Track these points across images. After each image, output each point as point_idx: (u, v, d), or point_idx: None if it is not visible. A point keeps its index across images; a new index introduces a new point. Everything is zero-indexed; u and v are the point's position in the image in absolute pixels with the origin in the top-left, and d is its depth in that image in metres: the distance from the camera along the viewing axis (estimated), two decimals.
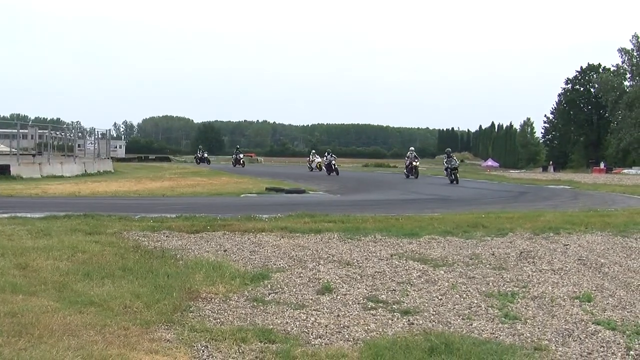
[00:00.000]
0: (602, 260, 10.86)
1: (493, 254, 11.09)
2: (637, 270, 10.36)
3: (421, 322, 7.15)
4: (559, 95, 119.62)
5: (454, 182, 37.60)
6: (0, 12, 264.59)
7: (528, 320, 7.31)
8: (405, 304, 7.86)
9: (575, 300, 8.26)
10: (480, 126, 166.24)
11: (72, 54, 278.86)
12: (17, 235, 11.69)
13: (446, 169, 40.02)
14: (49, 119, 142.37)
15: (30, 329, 6.09)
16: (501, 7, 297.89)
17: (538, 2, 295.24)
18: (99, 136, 59.74)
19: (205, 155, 75.34)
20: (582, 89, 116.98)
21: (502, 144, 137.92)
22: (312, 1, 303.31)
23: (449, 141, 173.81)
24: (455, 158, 41.15)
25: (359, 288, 8.58)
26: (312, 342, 6.35)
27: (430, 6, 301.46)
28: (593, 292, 8.74)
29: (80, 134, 58.83)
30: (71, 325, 6.30)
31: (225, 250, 10.88)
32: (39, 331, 6.04)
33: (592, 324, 7.22)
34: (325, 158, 50.08)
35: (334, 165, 48.64)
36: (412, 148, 46.43)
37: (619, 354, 6.24)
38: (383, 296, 8.21)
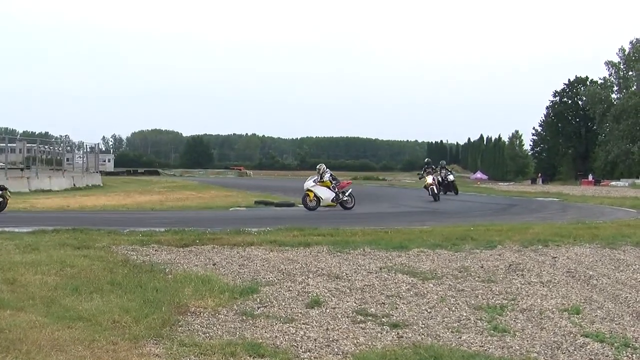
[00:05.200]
0: (591, 273, 10.89)
1: (482, 267, 11.11)
2: (625, 282, 10.40)
3: (410, 335, 7.16)
4: (547, 108, 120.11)
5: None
6: None
7: (517, 333, 7.33)
8: (395, 317, 7.86)
9: (564, 313, 8.28)
10: (469, 139, 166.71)
11: (60, 67, 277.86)
12: (5, 250, 11.63)
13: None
14: (37, 132, 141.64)
15: (18, 345, 6.06)
16: (490, 21, 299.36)
17: (526, 16, 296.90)
18: (88, 150, 59.65)
19: None
20: (570, 101, 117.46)
21: (491, 157, 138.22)
22: (300, 15, 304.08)
23: (438, 154, 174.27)
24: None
25: (348, 301, 8.58)
26: (301, 356, 6.35)
27: (419, 20, 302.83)
28: (581, 304, 8.77)
29: (68, 147, 58.96)
30: (59, 341, 6.27)
31: (214, 264, 10.85)
32: (27, 347, 6.01)
33: (581, 336, 7.25)
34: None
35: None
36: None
37: None
38: (372, 309, 8.21)
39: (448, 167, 39.49)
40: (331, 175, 25.34)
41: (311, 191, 24.78)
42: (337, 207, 25.50)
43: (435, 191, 32.56)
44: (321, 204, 24.67)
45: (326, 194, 24.80)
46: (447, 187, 37.17)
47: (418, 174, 36.70)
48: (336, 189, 25.05)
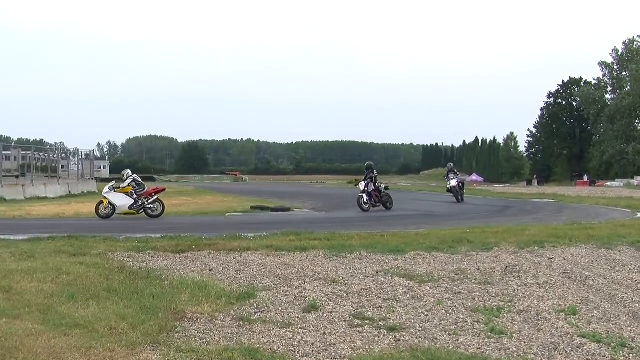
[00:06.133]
0: (587, 273, 10.91)
1: (478, 269, 11.11)
2: (622, 282, 10.42)
3: (407, 338, 7.16)
4: (542, 109, 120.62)
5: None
6: None
7: (514, 335, 7.34)
8: (392, 321, 7.86)
9: (561, 314, 8.29)
10: (464, 141, 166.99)
11: (55, 74, 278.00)
12: (0, 257, 11.59)
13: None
14: (32, 140, 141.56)
15: (15, 353, 6.05)
16: (484, 24, 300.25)
17: (520, 18, 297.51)
18: (83, 157, 59.58)
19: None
20: (564, 102, 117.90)
21: (486, 159, 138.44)
22: (295, 19, 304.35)
23: (433, 157, 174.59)
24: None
25: (345, 305, 8.57)
26: None
27: (414, 23, 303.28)
28: (578, 305, 8.79)
29: (63, 154, 58.58)
30: (56, 348, 6.26)
31: (210, 270, 10.83)
32: (23, 355, 6.00)
33: (578, 337, 7.25)
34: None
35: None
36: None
37: None
38: (369, 313, 8.21)
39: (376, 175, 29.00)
40: (135, 181, 23.80)
41: (106, 198, 23.27)
42: (333, 212, 25.37)
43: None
44: (116, 212, 23.05)
45: (122, 202, 23.18)
46: (379, 197, 28.29)
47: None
48: (134, 196, 23.33)
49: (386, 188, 29.14)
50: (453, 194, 34.82)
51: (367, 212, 26.55)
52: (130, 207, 23.14)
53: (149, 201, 23.44)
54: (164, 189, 26.13)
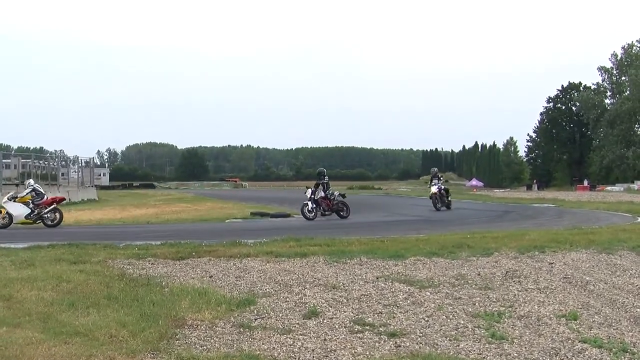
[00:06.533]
0: (588, 278, 10.89)
1: (479, 274, 11.10)
2: (622, 287, 10.41)
3: (408, 344, 7.15)
4: (541, 114, 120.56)
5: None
6: None
7: (515, 340, 7.32)
8: (392, 327, 7.85)
9: (562, 319, 8.28)
10: (464, 146, 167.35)
11: (54, 82, 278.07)
12: (0, 266, 11.60)
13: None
14: (31, 148, 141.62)
15: None
16: (483, 29, 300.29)
17: (519, 23, 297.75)
18: (83, 164, 59.65)
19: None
20: (563, 107, 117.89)
21: (486, 164, 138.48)
22: (294, 24, 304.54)
23: (433, 162, 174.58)
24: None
25: (345, 311, 8.56)
26: None
27: (412, 28, 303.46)
28: (579, 310, 8.77)
29: (63, 162, 58.68)
30: (56, 357, 6.26)
31: (210, 277, 10.83)
32: None
33: (579, 342, 7.24)
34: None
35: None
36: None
37: None
38: (370, 319, 8.20)
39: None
40: (34, 190, 23.41)
41: (3, 208, 22.93)
42: (333, 218, 25.40)
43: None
44: (14, 222, 22.62)
45: (19, 211, 22.78)
46: (329, 205, 27.14)
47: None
48: (31, 205, 22.86)
49: (342, 195, 27.73)
50: (432, 202, 32.48)
51: (312, 220, 25.46)
52: (26, 217, 22.85)
53: (45, 210, 23.05)
54: (63, 199, 26.17)
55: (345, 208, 27.11)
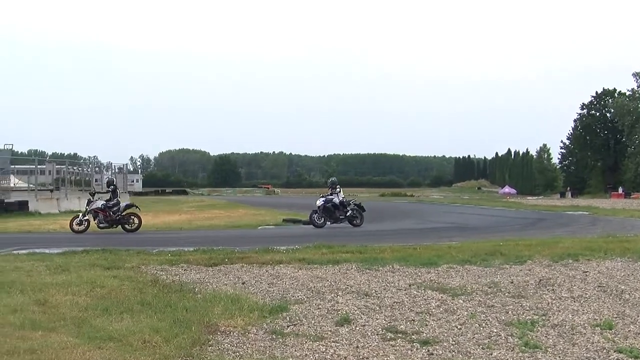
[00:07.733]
0: (623, 287, 10.76)
1: (512, 282, 11.02)
2: None
3: (441, 352, 7.11)
4: (575, 120, 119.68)
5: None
6: (15, 51, 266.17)
7: (549, 349, 7.25)
8: (425, 334, 7.81)
9: (596, 328, 8.18)
10: (497, 153, 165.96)
11: (88, 89, 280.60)
12: (35, 271, 11.75)
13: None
14: (66, 154, 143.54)
15: None
16: (515, 34, 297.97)
17: (551, 28, 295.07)
18: (116, 170, 60.35)
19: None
20: (597, 114, 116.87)
21: (519, 171, 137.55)
22: (325, 30, 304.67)
23: (465, 169, 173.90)
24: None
25: (377, 319, 8.54)
26: None
27: (444, 35, 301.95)
28: (614, 319, 8.66)
29: (97, 168, 59.45)
30: None
31: (243, 283, 10.87)
32: None
33: (614, 352, 7.15)
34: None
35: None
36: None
37: None
38: (402, 326, 8.17)
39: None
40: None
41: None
42: (364, 224, 25.34)
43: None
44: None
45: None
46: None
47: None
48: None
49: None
50: (309, 220, 27.13)
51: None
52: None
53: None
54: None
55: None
